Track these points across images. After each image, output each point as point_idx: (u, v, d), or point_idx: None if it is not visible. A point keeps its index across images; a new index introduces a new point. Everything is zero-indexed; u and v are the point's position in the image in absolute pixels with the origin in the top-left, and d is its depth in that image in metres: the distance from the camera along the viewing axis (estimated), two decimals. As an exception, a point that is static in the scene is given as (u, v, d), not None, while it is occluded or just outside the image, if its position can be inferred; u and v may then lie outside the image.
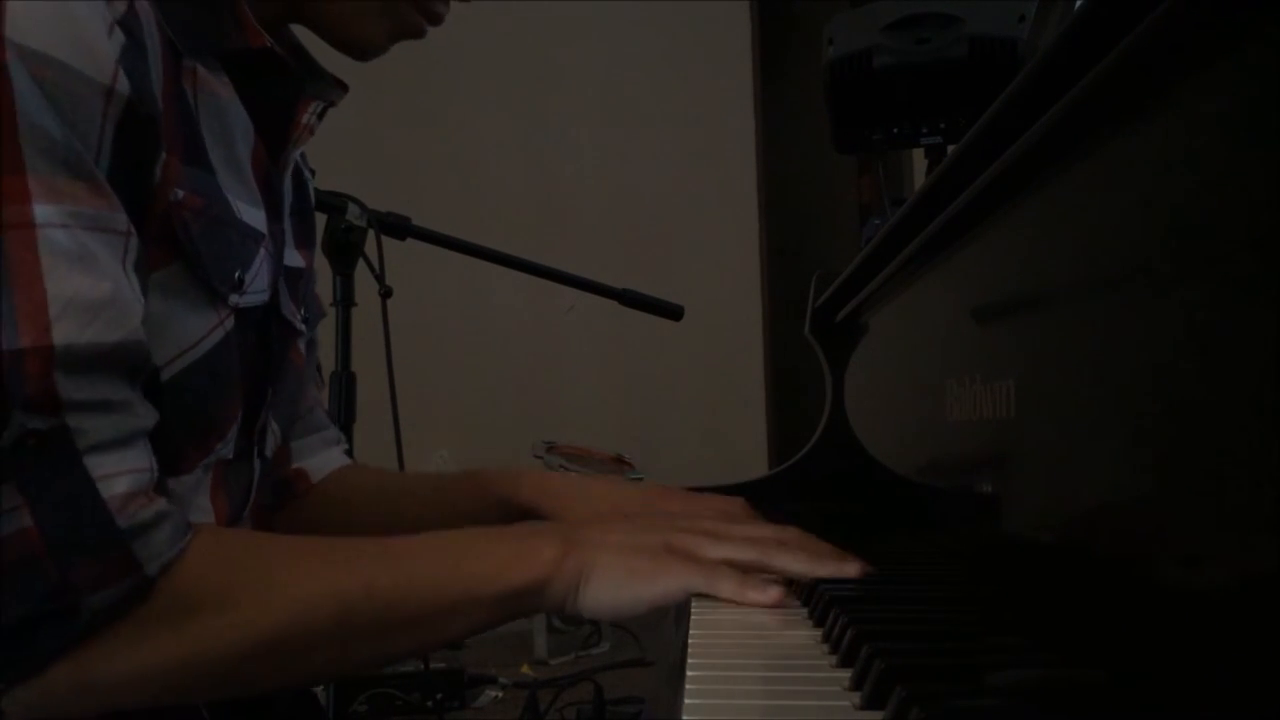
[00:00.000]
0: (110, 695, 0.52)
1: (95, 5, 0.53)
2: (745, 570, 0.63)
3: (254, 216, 0.68)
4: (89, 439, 0.50)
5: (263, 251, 0.68)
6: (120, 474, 0.51)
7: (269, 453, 0.77)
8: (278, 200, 0.72)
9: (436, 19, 0.74)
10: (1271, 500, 0.32)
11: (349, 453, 0.95)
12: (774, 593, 0.61)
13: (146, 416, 0.54)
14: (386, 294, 1.36)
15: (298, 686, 0.63)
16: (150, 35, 0.57)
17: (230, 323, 0.64)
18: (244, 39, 0.66)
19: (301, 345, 0.82)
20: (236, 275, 0.64)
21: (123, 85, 0.53)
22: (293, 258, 0.79)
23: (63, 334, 0.49)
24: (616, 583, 0.60)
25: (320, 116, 0.75)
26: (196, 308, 0.61)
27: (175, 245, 0.59)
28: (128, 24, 0.55)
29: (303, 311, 0.80)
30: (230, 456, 0.68)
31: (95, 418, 0.50)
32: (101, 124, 0.53)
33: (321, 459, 0.90)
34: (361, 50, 0.74)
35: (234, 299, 0.64)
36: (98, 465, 0.50)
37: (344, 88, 0.78)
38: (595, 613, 0.61)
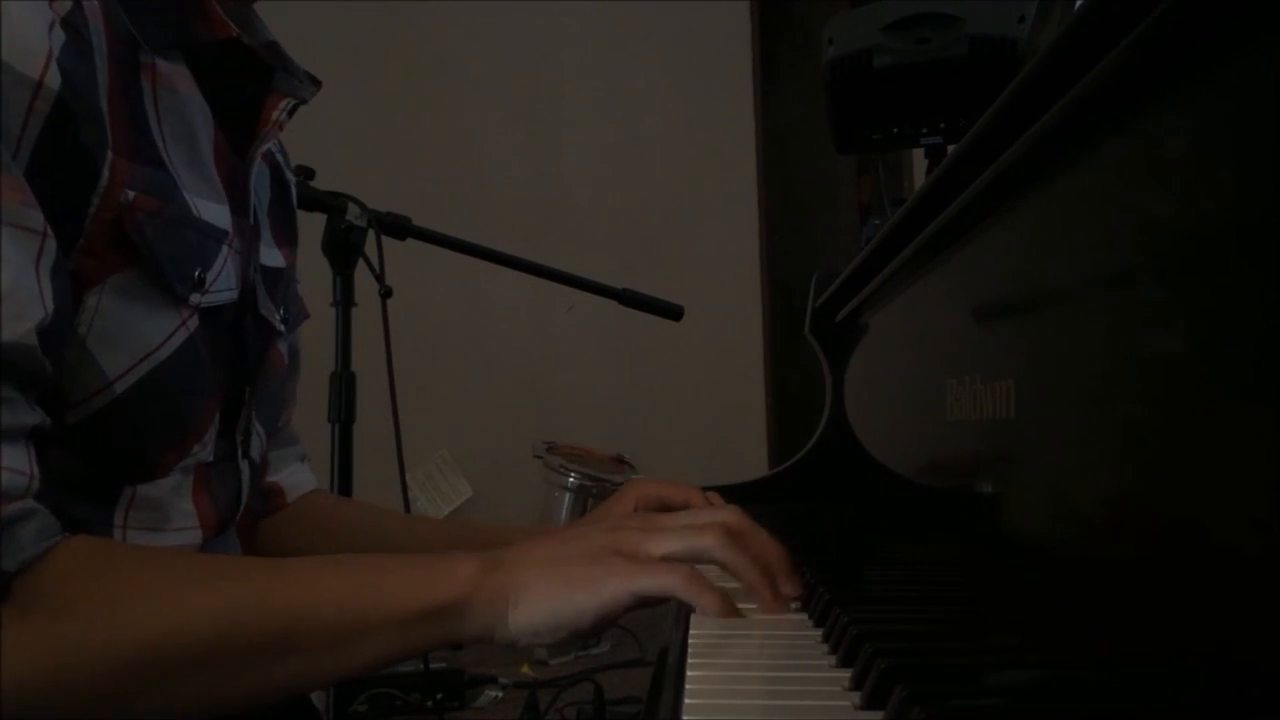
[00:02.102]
0: None
1: (36, 3, 0.52)
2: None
3: (216, 214, 0.66)
4: None
5: (226, 249, 0.66)
6: None
7: (255, 454, 0.75)
8: (243, 196, 0.70)
9: None
10: (1272, 499, 0.32)
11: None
12: (726, 605, 0.57)
13: (27, 415, 0.50)
14: (386, 294, 1.36)
15: (186, 716, 0.53)
16: (97, 33, 0.56)
17: (194, 323, 0.63)
18: (210, 31, 0.64)
19: (282, 347, 0.80)
20: (197, 274, 0.62)
21: (54, 80, 0.52)
22: (272, 257, 0.77)
23: None
24: (553, 596, 0.55)
25: (290, 113, 0.73)
26: (157, 310, 0.60)
27: (130, 248, 0.58)
28: (72, 21, 0.54)
29: (282, 311, 0.78)
30: (211, 459, 0.67)
31: None
32: (25, 118, 0.51)
33: (293, 474, 0.89)
34: None
35: (195, 299, 0.62)
36: None
37: (317, 84, 0.76)
38: (533, 633, 0.56)
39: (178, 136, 0.63)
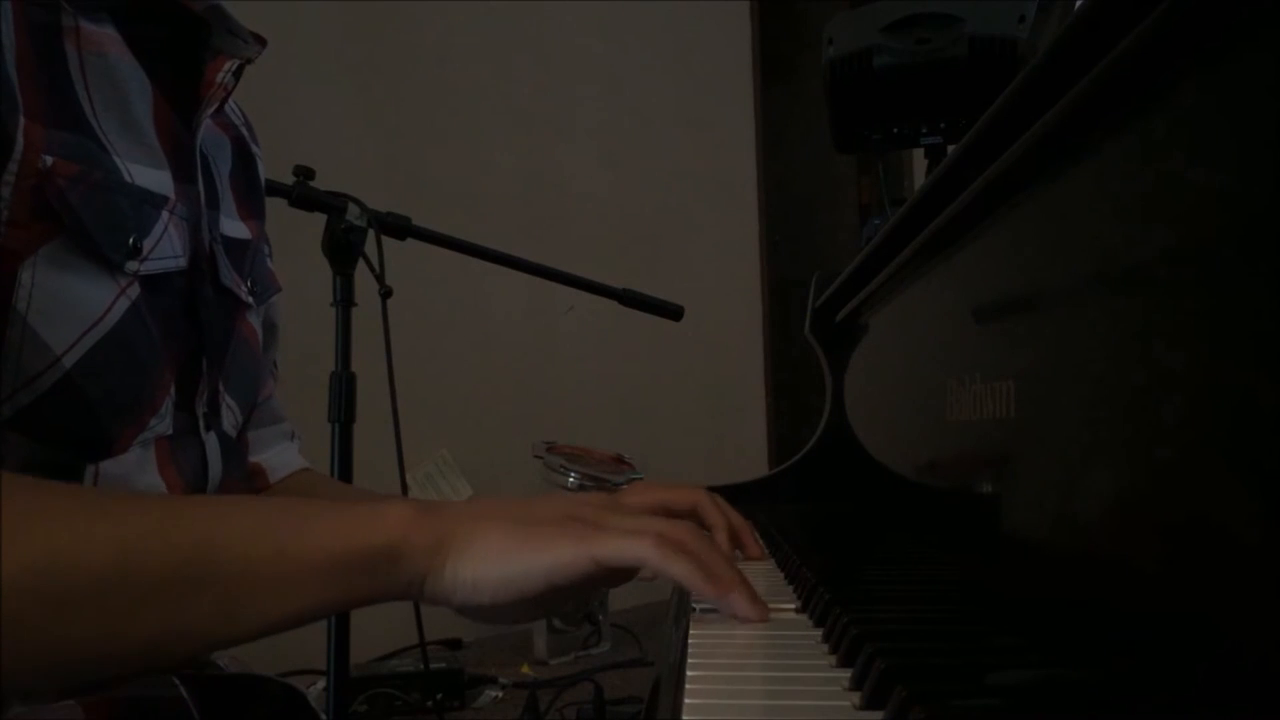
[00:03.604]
0: None
1: None
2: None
3: (154, 179, 0.64)
4: None
5: (166, 215, 0.65)
6: None
7: (228, 428, 0.73)
8: (188, 162, 0.69)
9: None
10: (1272, 499, 0.32)
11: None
12: (700, 573, 0.52)
13: None
14: (386, 294, 1.36)
15: (74, 672, 0.48)
16: None
17: (135, 291, 0.61)
18: None
19: (254, 321, 0.78)
20: (131, 242, 0.61)
21: None
22: (235, 228, 0.76)
23: None
24: (503, 551, 0.51)
25: (237, 75, 0.72)
26: (92, 280, 0.58)
27: (55, 217, 0.56)
28: None
29: (249, 284, 0.77)
30: (170, 432, 0.65)
31: None
32: None
33: (278, 454, 0.87)
34: None
35: (132, 266, 0.61)
36: None
37: (262, 42, 0.74)
38: (473, 589, 0.51)
39: (108, 101, 0.62)
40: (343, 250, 1.39)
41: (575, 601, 0.58)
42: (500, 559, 0.51)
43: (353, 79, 2.70)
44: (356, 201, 1.39)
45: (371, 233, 1.39)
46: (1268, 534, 0.32)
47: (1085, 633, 0.45)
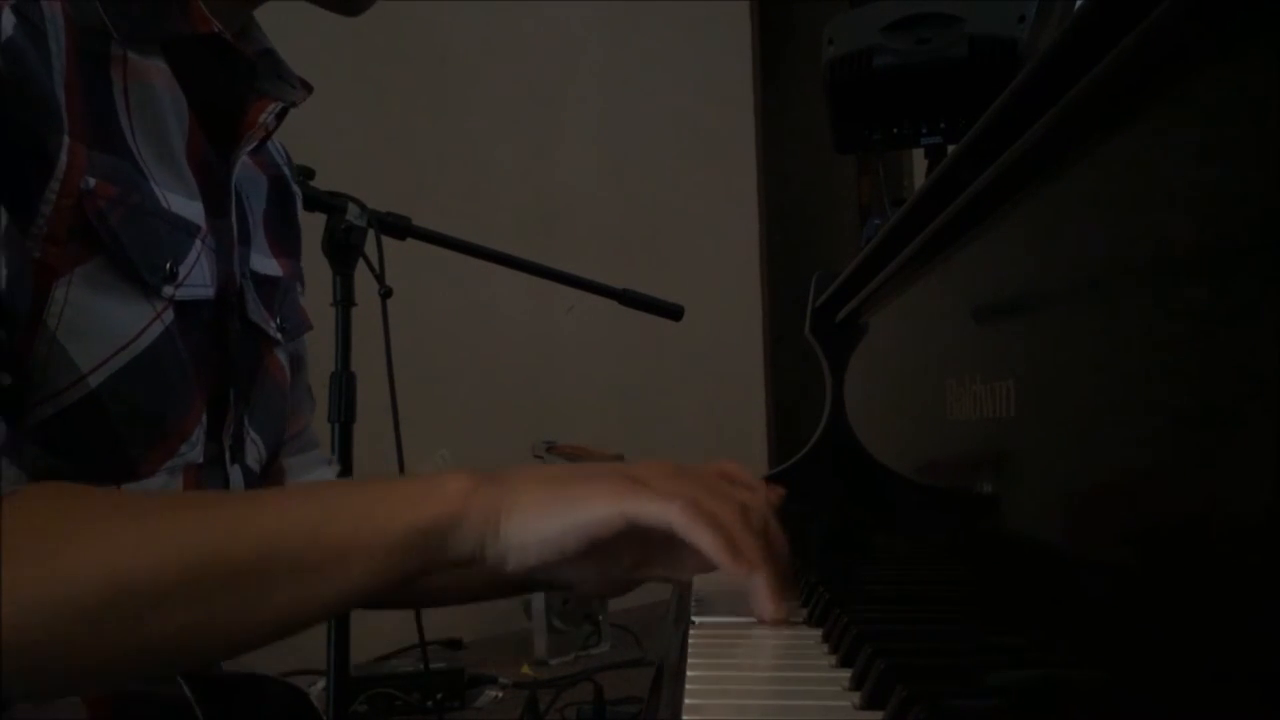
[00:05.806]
0: None
1: None
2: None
3: (187, 208, 0.65)
4: None
5: (199, 244, 0.66)
6: None
7: (251, 462, 0.75)
8: (222, 196, 0.70)
9: None
10: (1271, 500, 0.32)
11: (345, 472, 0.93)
12: (726, 545, 0.51)
13: None
14: (386, 294, 1.36)
15: (168, 660, 0.51)
16: (53, 22, 0.57)
17: (169, 317, 0.62)
18: (188, 25, 0.64)
19: (282, 357, 0.79)
20: (168, 266, 0.62)
21: None
22: (266, 265, 0.77)
23: None
24: (543, 510, 0.52)
25: (279, 117, 0.73)
26: (127, 301, 0.59)
27: (94, 237, 0.57)
28: (22, 9, 0.55)
29: (278, 321, 0.78)
30: (200, 460, 0.66)
31: None
32: None
33: (317, 479, 0.87)
34: (350, 6, 0.72)
35: (168, 290, 0.62)
36: None
37: (308, 88, 0.76)
38: (521, 549, 0.52)
39: (148, 129, 0.63)
40: (343, 250, 1.39)
41: (626, 573, 0.58)
42: (539, 519, 0.52)
43: (353, 79, 2.70)
44: (356, 201, 1.39)
45: (371, 233, 1.39)
46: (1268, 533, 0.32)
47: (1085, 633, 0.45)
